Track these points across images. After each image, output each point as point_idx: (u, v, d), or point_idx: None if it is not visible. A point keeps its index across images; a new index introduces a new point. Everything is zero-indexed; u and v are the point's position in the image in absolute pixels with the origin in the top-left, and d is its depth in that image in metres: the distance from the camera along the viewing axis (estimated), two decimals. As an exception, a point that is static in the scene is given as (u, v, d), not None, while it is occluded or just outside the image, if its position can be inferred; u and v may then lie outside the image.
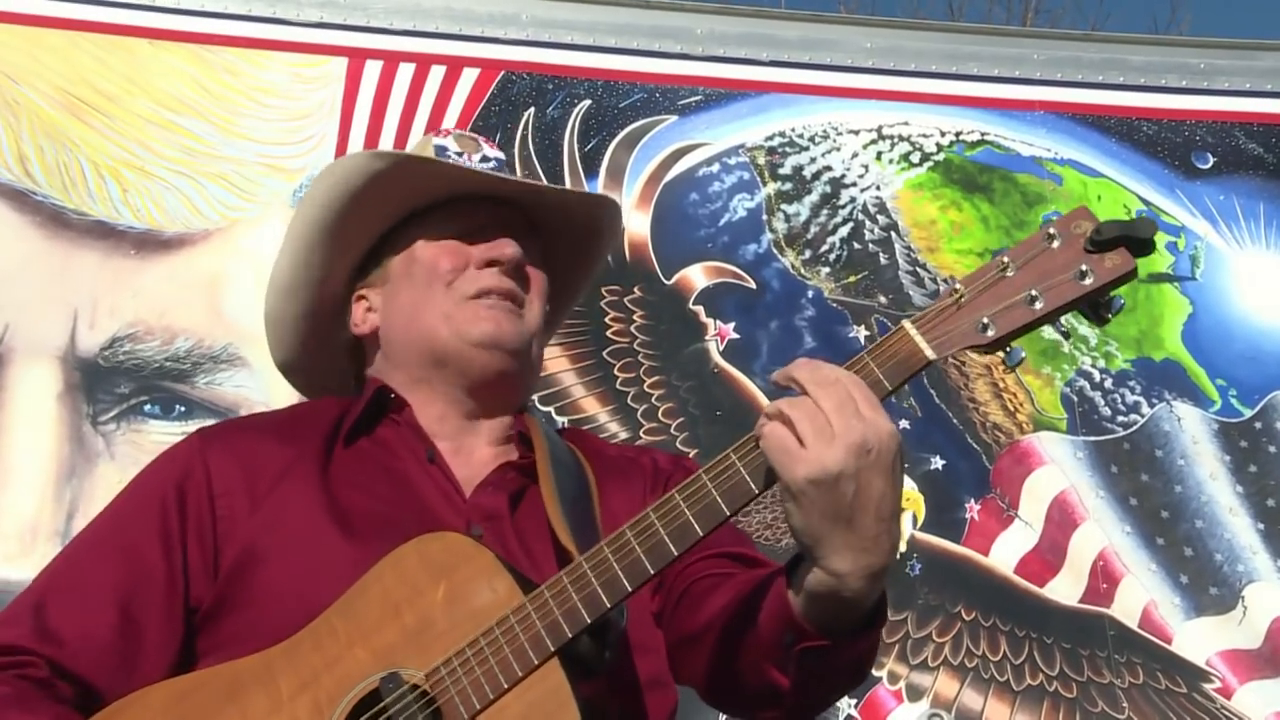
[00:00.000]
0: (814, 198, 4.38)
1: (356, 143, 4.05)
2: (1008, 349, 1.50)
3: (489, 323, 1.80)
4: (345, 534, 1.68)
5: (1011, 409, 4.17)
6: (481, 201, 1.87)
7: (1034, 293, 1.48)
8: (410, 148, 1.96)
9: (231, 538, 1.70)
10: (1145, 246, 1.47)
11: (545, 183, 1.92)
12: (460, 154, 1.88)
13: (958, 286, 1.50)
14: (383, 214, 1.87)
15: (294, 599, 1.62)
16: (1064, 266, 1.48)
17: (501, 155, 1.93)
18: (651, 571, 1.49)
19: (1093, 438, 4.18)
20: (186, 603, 1.70)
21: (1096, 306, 1.50)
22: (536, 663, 1.48)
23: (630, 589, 1.49)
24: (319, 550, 1.67)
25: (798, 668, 1.51)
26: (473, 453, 1.82)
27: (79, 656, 1.65)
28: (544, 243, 1.94)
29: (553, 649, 1.49)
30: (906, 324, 1.50)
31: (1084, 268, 1.47)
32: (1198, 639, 3.95)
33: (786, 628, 1.50)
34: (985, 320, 1.48)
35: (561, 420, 3.87)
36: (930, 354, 1.48)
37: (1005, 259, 1.50)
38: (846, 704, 3.69)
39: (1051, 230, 1.50)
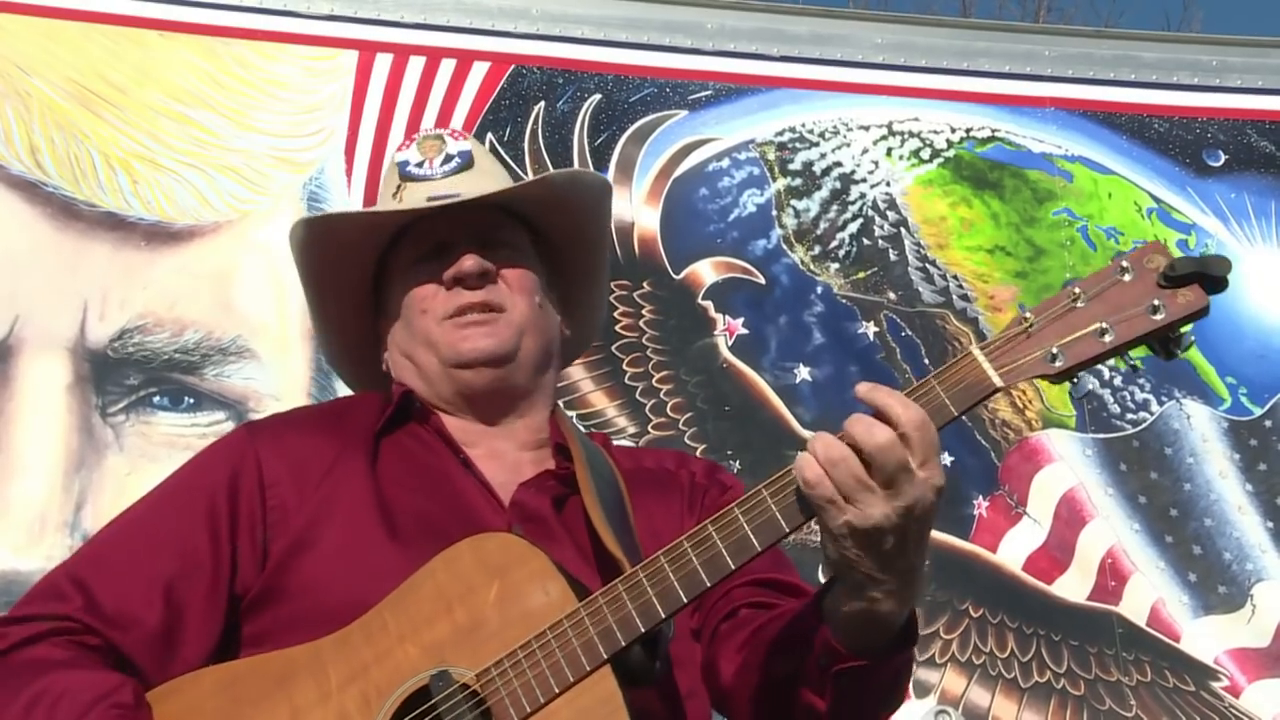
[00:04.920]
0: (824, 193, 4.37)
1: (367, 135, 4.05)
2: (1075, 379, 1.50)
3: (465, 342, 1.81)
4: (391, 530, 1.69)
5: (1020, 406, 4.16)
6: (440, 217, 1.86)
7: (1104, 325, 1.48)
8: (383, 169, 1.99)
9: (282, 528, 1.71)
10: (1219, 284, 1.46)
11: (508, 181, 1.91)
12: (421, 163, 1.89)
13: (1028, 315, 1.50)
14: (355, 260, 1.91)
15: (340, 592, 1.63)
16: (1136, 300, 1.47)
17: (468, 147, 1.92)
18: (709, 584, 1.49)
19: (1102, 435, 4.17)
20: (231, 592, 1.71)
21: (1166, 342, 1.49)
22: (589, 669, 1.49)
23: (686, 600, 1.49)
24: (366, 545, 1.68)
25: (834, 690, 1.52)
26: (505, 455, 1.83)
27: (128, 636, 1.66)
28: (538, 225, 1.94)
29: (606, 656, 1.49)
30: (975, 350, 1.50)
31: (1156, 302, 1.47)
32: (1206, 637, 3.95)
33: (821, 650, 1.51)
34: (1055, 350, 1.48)
35: (569, 416, 3.86)
36: (998, 382, 1.48)
37: (1076, 289, 1.50)
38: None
39: (1124, 264, 1.50)
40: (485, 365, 1.81)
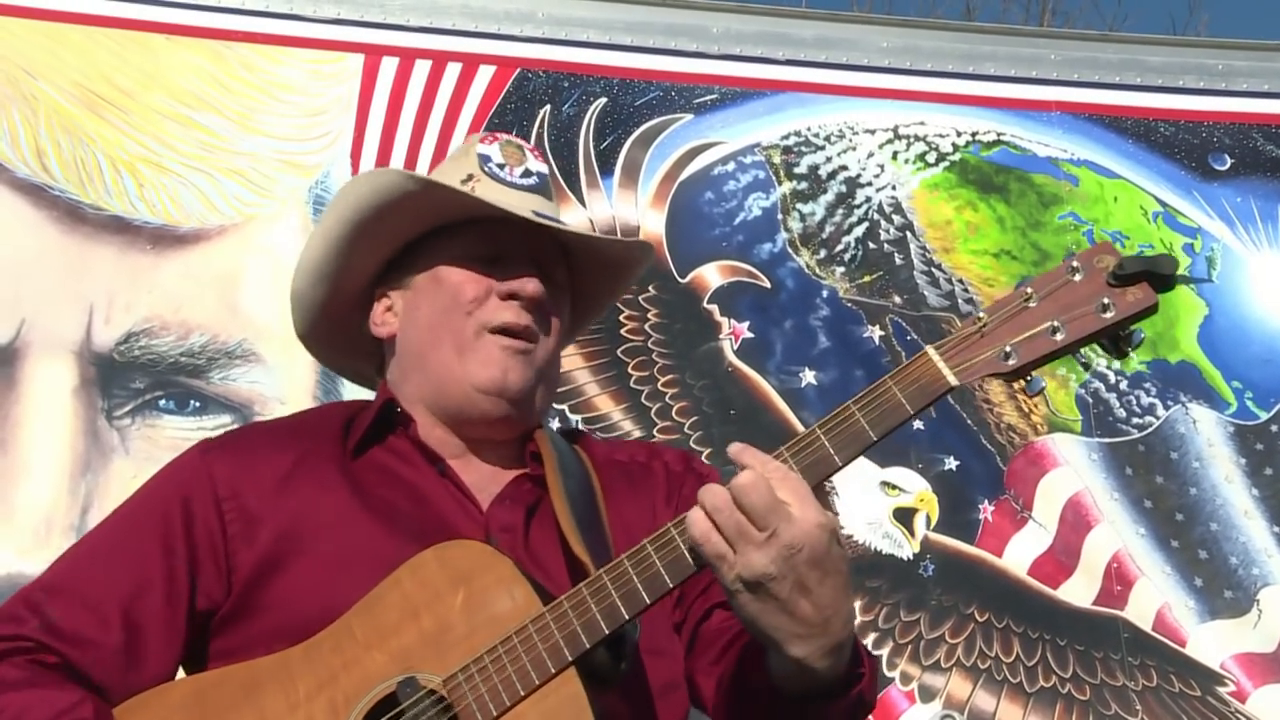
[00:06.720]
0: (829, 197, 4.37)
1: (373, 139, 4.06)
2: (1028, 377, 1.54)
3: (497, 368, 1.79)
4: (368, 540, 1.69)
5: (1026, 410, 4.16)
6: (514, 228, 1.84)
7: (1056, 324, 1.52)
8: (457, 147, 1.96)
9: (244, 540, 1.71)
10: (1166, 282, 1.51)
11: (569, 224, 1.91)
12: (503, 165, 1.87)
13: (981, 315, 1.54)
14: (413, 224, 1.87)
15: (316, 606, 1.63)
16: (1086, 299, 1.52)
17: (545, 170, 1.92)
18: (670, 585, 1.51)
19: (1107, 439, 4.16)
20: (191, 608, 1.71)
21: (1117, 340, 1.54)
22: (554, 672, 1.50)
23: (649, 602, 1.51)
24: (342, 555, 1.68)
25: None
26: (481, 466, 1.83)
27: (85, 654, 1.66)
28: (574, 261, 1.94)
29: (570, 659, 1.50)
30: (930, 350, 1.54)
31: (1106, 301, 1.51)
32: (1212, 642, 3.94)
33: (771, 697, 1.56)
34: (1008, 349, 1.52)
35: (575, 419, 3.87)
36: (953, 380, 1.52)
37: (1029, 289, 1.54)
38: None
39: (1075, 264, 1.54)
40: (505, 398, 1.80)
